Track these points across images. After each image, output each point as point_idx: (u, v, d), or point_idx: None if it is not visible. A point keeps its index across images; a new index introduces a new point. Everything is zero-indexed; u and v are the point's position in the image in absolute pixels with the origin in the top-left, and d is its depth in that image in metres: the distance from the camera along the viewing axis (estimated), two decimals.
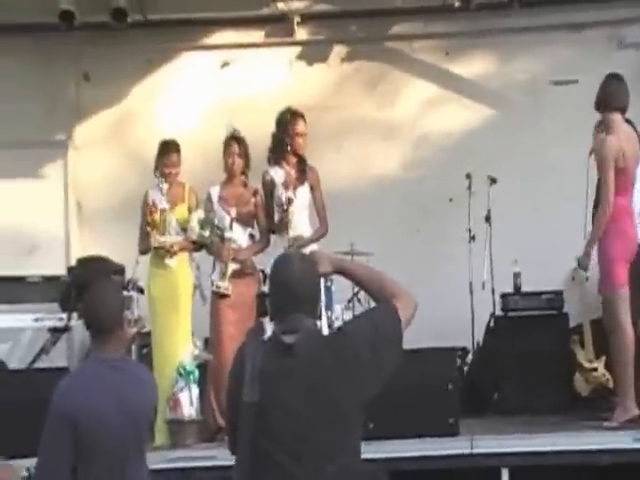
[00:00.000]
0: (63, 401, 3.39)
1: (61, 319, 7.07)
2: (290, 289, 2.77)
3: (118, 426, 3.38)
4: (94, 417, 3.35)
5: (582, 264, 5.89)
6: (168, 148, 6.48)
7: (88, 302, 3.61)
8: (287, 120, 6.21)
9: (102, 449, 3.35)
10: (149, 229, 6.40)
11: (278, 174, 6.26)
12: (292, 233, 6.15)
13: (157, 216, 6.40)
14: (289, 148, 6.23)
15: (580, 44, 8.29)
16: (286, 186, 6.20)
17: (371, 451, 5.32)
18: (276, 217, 6.27)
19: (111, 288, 3.75)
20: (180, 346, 6.24)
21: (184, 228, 6.39)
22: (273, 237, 6.37)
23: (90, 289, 3.65)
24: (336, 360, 2.71)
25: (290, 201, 6.16)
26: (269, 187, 6.28)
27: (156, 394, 3.67)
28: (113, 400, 3.40)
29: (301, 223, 6.24)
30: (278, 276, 2.82)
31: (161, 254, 6.37)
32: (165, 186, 6.46)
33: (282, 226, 6.19)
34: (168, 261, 6.37)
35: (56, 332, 7.12)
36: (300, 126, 6.23)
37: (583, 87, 7.72)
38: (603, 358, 6.78)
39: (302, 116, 6.26)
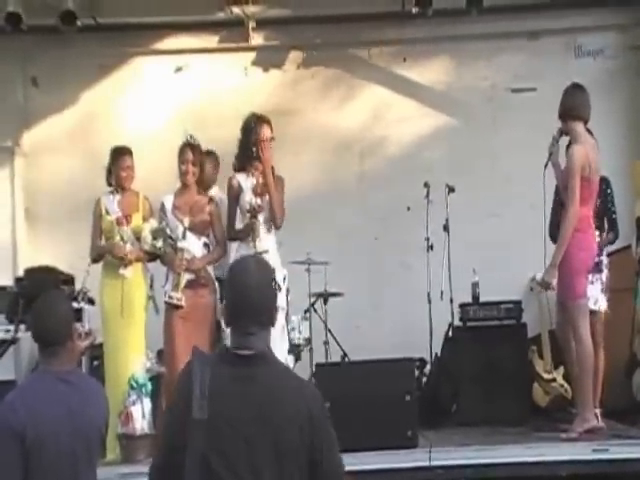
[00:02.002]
0: (10, 415, 3.29)
1: (8, 331, 6.92)
2: (248, 296, 2.73)
3: (68, 440, 3.31)
4: (42, 431, 3.27)
5: (544, 282, 5.82)
6: (122, 152, 6.39)
7: (36, 313, 3.52)
8: (252, 126, 6.14)
9: (51, 463, 3.27)
10: (102, 239, 6.32)
11: (245, 180, 6.16)
12: (258, 242, 6.04)
13: (110, 225, 6.28)
14: (255, 155, 6.14)
15: (538, 52, 8.33)
16: (256, 193, 6.11)
17: None
18: (241, 224, 6.17)
19: (60, 299, 3.67)
20: (133, 358, 6.13)
21: (139, 237, 6.29)
22: (235, 245, 6.23)
23: (38, 300, 3.56)
24: (289, 407, 2.71)
25: (259, 208, 6.05)
26: (235, 192, 6.16)
27: (107, 407, 3.58)
28: (62, 414, 3.32)
29: (265, 232, 6.14)
30: (236, 282, 2.77)
31: (115, 264, 6.25)
32: (118, 196, 6.36)
33: (248, 233, 6.07)
34: (122, 271, 6.26)
35: (3, 344, 6.96)
36: (266, 132, 6.16)
37: (541, 95, 7.75)
38: (561, 369, 6.80)
39: (268, 122, 6.20)
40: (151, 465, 2.82)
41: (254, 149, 6.10)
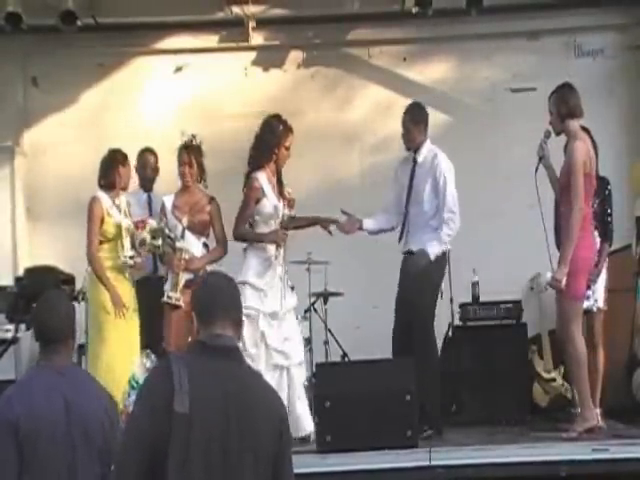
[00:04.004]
0: (5, 408, 3.34)
1: (8, 330, 6.90)
2: (221, 295, 2.86)
3: (65, 432, 3.32)
4: (37, 423, 3.29)
5: (555, 280, 5.77)
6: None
7: (37, 311, 3.56)
8: (280, 131, 6.18)
9: (48, 454, 3.29)
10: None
11: (266, 183, 6.17)
12: (282, 253, 6.12)
13: (116, 228, 6.25)
14: (274, 157, 6.18)
15: (538, 52, 8.30)
16: (289, 205, 6.17)
17: (328, 464, 5.30)
18: (262, 228, 6.17)
19: (61, 298, 3.70)
20: (134, 357, 6.09)
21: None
22: (242, 245, 6.20)
23: (40, 299, 3.61)
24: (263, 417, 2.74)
25: (291, 219, 6.15)
26: (258, 195, 6.16)
27: (110, 400, 3.56)
28: (59, 406, 3.33)
29: None
30: (210, 284, 2.94)
31: (122, 267, 6.23)
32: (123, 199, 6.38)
33: (272, 241, 6.11)
34: (134, 274, 6.31)
35: (3, 344, 6.95)
36: (290, 140, 6.22)
37: (541, 94, 7.69)
38: (561, 368, 6.79)
39: (292, 131, 6.25)
40: (123, 465, 2.71)
41: (276, 151, 6.14)
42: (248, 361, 5.76)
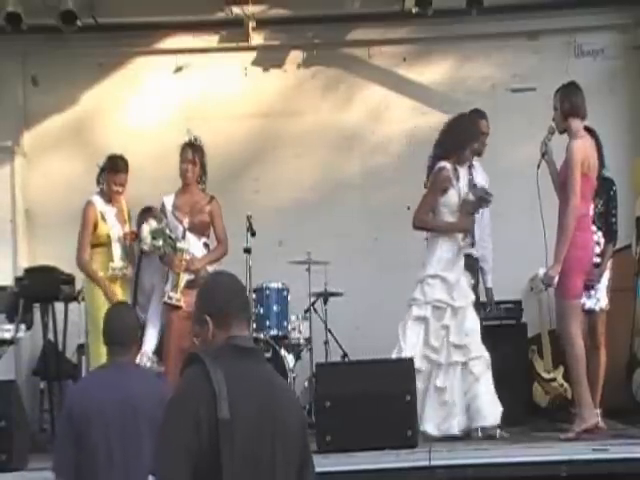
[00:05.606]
0: (68, 395, 4.07)
1: (8, 330, 6.90)
2: (235, 295, 2.82)
3: (115, 415, 3.66)
4: (89, 409, 3.69)
5: (547, 277, 5.79)
6: (120, 167, 6.37)
7: (106, 319, 3.97)
8: (475, 132, 6.23)
9: (98, 434, 3.65)
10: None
11: (453, 172, 6.10)
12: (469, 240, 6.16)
13: (105, 232, 6.27)
14: (460, 153, 6.12)
15: (538, 51, 8.32)
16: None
17: (328, 464, 5.29)
18: (448, 219, 6.10)
19: (128, 309, 4.22)
20: None
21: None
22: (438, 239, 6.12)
23: (109, 308, 4.25)
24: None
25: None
26: (446, 184, 6.08)
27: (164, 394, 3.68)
28: (110, 391, 3.69)
29: None
30: (219, 285, 2.84)
31: (112, 277, 6.27)
32: (114, 209, 6.38)
33: (460, 230, 6.11)
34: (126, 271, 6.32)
35: (3, 344, 6.94)
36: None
37: (541, 94, 7.71)
38: (561, 368, 6.78)
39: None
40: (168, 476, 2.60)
41: (464, 148, 6.10)
42: (430, 354, 5.89)
